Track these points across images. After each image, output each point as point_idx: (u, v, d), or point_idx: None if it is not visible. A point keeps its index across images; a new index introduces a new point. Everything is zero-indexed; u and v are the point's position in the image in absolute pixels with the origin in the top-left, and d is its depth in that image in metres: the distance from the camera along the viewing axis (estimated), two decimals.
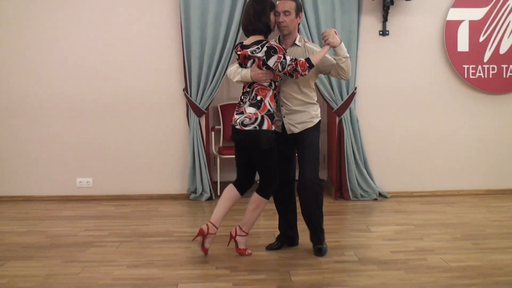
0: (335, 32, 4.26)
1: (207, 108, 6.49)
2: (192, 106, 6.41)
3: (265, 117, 4.22)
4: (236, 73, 4.33)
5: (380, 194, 6.49)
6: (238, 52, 4.29)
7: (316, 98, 4.49)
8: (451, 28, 6.47)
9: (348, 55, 4.29)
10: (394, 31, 6.50)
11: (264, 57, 4.13)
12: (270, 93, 4.26)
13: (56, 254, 4.59)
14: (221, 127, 7.23)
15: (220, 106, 7.29)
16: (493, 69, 6.55)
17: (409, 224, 5.41)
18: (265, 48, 4.13)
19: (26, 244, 4.86)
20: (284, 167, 4.50)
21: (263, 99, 4.23)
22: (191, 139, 6.42)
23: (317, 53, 4.25)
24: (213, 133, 6.98)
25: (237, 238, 4.51)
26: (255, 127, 4.21)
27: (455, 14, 6.46)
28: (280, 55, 4.12)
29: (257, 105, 4.23)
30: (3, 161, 6.53)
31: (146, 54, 6.47)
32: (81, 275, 4.12)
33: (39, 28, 6.40)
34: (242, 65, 4.29)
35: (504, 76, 6.54)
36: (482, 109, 6.63)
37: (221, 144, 7.18)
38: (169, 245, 4.84)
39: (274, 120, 4.28)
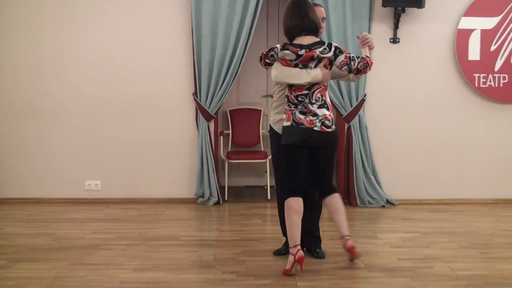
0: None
1: (216, 113, 6.50)
2: (201, 111, 6.43)
3: (333, 118, 4.27)
4: (301, 74, 4.12)
5: (388, 201, 6.48)
6: (300, 53, 4.11)
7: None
8: (462, 37, 6.46)
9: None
10: (405, 39, 6.49)
11: (332, 57, 4.16)
12: (327, 93, 4.27)
13: (64, 256, 4.60)
14: (230, 131, 7.25)
15: (229, 111, 7.30)
16: (503, 78, 6.52)
17: (416, 231, 5.40)
18: (333, 48, 4.16)
19: (34, 246, 4.88)
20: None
21: (326, 99, 4.23)
22: (199, 143, 6.44)
23: (367, 53, 4.34)
24: (221, 137, 7.00)
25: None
26: (335, 128, 4.23)
27: (466, 22, 6.45)
28: (346, 55, 4.17)
29: (327, 106, 4.21)
30: (13, 164, 6.57)
31: (156, 59, 6.50)
32: (88, 277, 4.13)
33: (50, 30, 6.45)
34: (299, 65, 4.14)
35: None
36: (492, 118, 6.60)
37: (229, 149, 7.19)
38: (176, 249, 4.84)
39: None
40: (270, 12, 7.38)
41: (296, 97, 4.18)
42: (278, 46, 4.22)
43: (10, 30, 6.43)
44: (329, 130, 4.18)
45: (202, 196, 6.51)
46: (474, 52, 6.50)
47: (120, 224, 5.67)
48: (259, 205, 6.55)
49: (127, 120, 6.55)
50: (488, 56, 6.50)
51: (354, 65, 4.17)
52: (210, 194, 6.49)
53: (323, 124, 4.15)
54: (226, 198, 6.70)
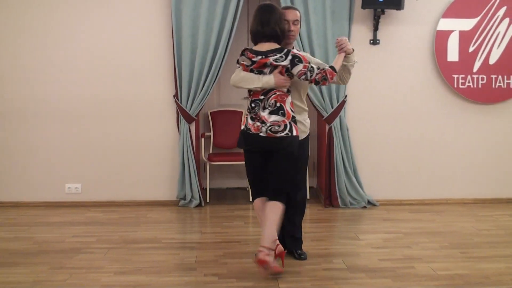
0: (346, 39, 4.41)
1: (197, 115, 6.49)
2: (182, 113, 6.41)
3: (292, 124, 4.20)
4: (253, 79, 4.19)
5: (369, 202, 6.51)
6: (255, 59, 4.17)
7: (306, 109, 4.55)
8: (441, 38, 6.52)
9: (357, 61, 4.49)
10: (385, 40, 6.53)
11: (289, 65, 4.13)
12: (289, 99, 4.24)
13: (44, 260, 4.56)
14: (211, 133, 7.23)
15: (211, 113, 7.29)
16: (482, 79, 6.59)
17: (397, 232, 5.43)
18: (290, 57, 4.13)
19: (14, 250, 4.83)
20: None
21: (283, 105, 4.19)
22: (181, 145, 6.42)
23: (336, 60, 4.32)
24: (203, 139, 6.98)
25: (270, 258, 4.08)
26: (287, 134, 4.17)
27: (445, 24, 6.50)
28: (306, 64, 4.14)
29: (281, 112, 4.18)
30: None
31: (137, 61, 6.47)
32: (68, 281, 4.10)
33: (28, 32, 6.38)
34: (254, 71, 4.21)
35: (493, 86, 6.59)
36: (470, 118, 6.66)
37: (211, 151, 7.17)
38: (157, 251, 4.82)
39: (297, 125, 4.26)
40: (250, 14, 7.26)
41: (251, 102, 4.28)
42: (241, 52, 4.33)
43: None
44: (276, 135, 4.16)
45: (184, 198, 6.49)
46: (453, 53, 6.56)
47: (101, 227, 5.63)
48: (241, 207, 6.54)
49: (108, 122, 6.51)
50: (467, 57, 6.56)
51: (312, 76, 4.15)
52: (192, 196, 6.47)
53: (270, 130, 4.16)
54: (208, 200, 6.68)
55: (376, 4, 6.23)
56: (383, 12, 6.37)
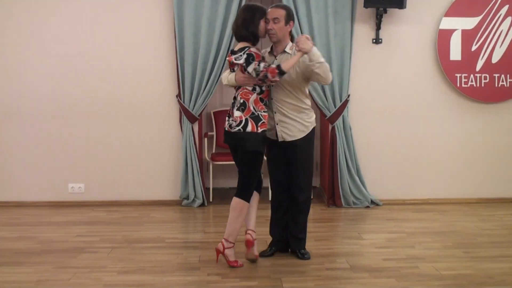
0: (307, 37, 4.27)
1: (200, 115, 6.49)
2: (185, 113, 6.41)
3: (249, 120, 4.27)
4: (224, 77, 4.49)
5: (372, 202, 6.50)
6: (227, 58, 4.45)
7: (310, 104, 4.52)
8: (443, 37, 6.51)
9: (322, 61, 4.26)
10: (387, 39, 6.52)
11: (244, 64, 4.24)
12: (254, 96, 4.31)
13: (47, 260, 4.57)
14: (214, 133, 7.23)
15: (213, 113, 7.28)
16: (485, 78, 6.58)
17: (401, 232, 5.42)
18: (245, 55, 4.24)
19: (17, 250, 4.84)
20: (282, 174, 4.56)
21: (246, 102, 4.30)
22: (184, 145, 6.42)
23: (289, 59, 4.28)
24: (206, 139, 6.98)
25: (226, 251, 4.40)
26: (239, 130, 4.28)
27: (447, 23, 6.49)
28: (256, 62, 4.20)
29: (242, 108, 4.31)
30: None
31: (140, 60, 6.47)
32: (71, 281, 4.10)
33: (31, 32, 6.39)
34: (231, 70, 4.41)
35: (496, 85, 6.58)
36: (474, 117, 6.65)
37: (214, 151, 7.17)
38: (160, 251, 4.83)
39: (260, 123, 4.29)
40: None
41: (232, 100, 4.46)
42: None
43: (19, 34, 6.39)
44: (231, 130, 4.32)
45: (187, 198, 6.49)
46: (455, 52, 6.55)
47: (104, 226, 5.63)
48: None
49: (111, 122, 6.51)
50: (470, 56, 6.54)
51: (258, 74, 4.20)
52: (195, 196, 6.48)
53: (229, 125, 4.35)
54: (211, 200, 6.68)
55: (378, 3, 6.22)
56: (385, 11, 6.36)
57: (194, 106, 6.39)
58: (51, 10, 6.39)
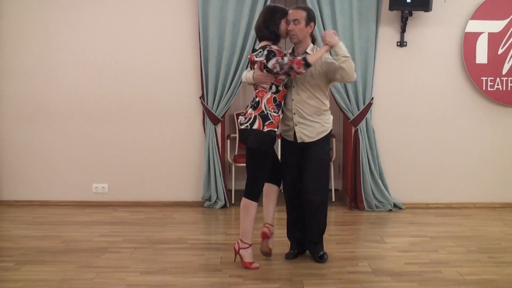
0: (333, 32, 4.32)
1: (223, 116, 6.51)
2: (208, 114, 6.43)
3: (258, 117, 4.30)
4: (244, 75, 4.53)
5: (395, 205, 6.46)
6: (248, 57, 4.51)
7: (329, 106, 4.52)
8: (469, 40, 6.45)
9: (348, 55, 4.28)
10: (412, 42, 6.48)
11: (264, 60, 4.24)
12: (268, 95, 4.33)
13: (71, 259, 4.62)
14: (237, 135, 7.24)
15: (236, 114, 7.30)
16: (511, 81, 6.50)
17: (424, 236, 5.38)
18: (265, 52, 4.25)
19: (42, 249, 4.90)
20: (296, 176, 4.56)
21: (260, 100, 4.33)
22: (206, 146, 6.44)
23: (315, 52, 4.31)
24: (228, 141, 6.99)
25: (241, 251, 4.44)
26: (247, 126, 4.32)
27: (474, 26, 6.43)
28: (278, 58, 4.22)
29: (254, 106, 4.35)
30: (21, 166, 6.59)
31: (164, 62, 6.52)
32: (95, 280, 4.14)
33: (57, 32, 6.48)
34: (251, 68, 4.43)
35: None
36: (499, 121, 6.58)
37: (236, 152, 7.18)
38: (183, 252, 4.85)
39: (268, 122, 4.30)
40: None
41: None
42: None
43: (19, 33, 6.47)
44: (241, 127, 4.37)
45: (209, 199, 6.51)
46: (481, 56, 6.48)
47: (127, 227, 5.68)
48: None
49: (134, 123, 6.56)
50: (496, 60, 6.47)
51: (282, 68, 4.20)
52: (217, 197, 6.50)
53: (240, 122, 4.40)
54: (233, 202, 6.69)
55: (404, 5, 6.18)
56: (410, 14, 6.32)
57: (217, 107, 6.41)
58: (78, 11, 6.45)
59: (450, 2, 6.39)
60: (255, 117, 4.30)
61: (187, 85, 6.55)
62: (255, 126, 4.29)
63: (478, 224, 5.84)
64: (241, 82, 6.33)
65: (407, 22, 6.37)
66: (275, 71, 4.23)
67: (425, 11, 6.25)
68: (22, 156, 6.58)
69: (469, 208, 6.52)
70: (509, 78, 6.49)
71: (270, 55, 4.23)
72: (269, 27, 4.32)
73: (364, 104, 6.39)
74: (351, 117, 6.39)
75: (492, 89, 6.49)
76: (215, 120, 6.44)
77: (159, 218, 6.04)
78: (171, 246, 5.02)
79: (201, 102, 6.47)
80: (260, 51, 4.29)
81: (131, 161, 6.59)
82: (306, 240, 4.62)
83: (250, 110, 4.36)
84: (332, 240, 4.89)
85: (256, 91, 4.39)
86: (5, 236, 5.36)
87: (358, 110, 6.37)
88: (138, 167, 6.60)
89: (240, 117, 4.46)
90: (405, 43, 6.47)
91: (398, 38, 6.49)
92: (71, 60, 6.51)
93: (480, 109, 6.56)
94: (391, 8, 6.20)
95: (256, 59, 4.30)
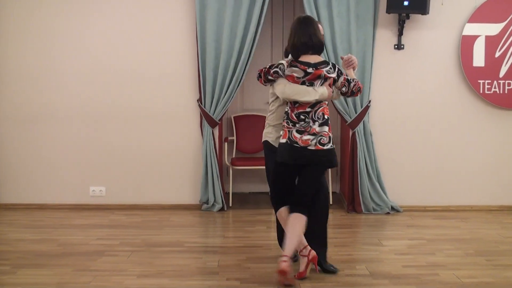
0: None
1: (220, 119, 6.51)
2: (206, 117, 6.43)
3: (331, 136, 4.25)
4: (309, 92, 4.13)
5: (393, 208, 6.46)
6: (309, 71, 4.14)
7: None
8: (467, 43, 6.45)
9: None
10: (410, 45, 6.49)
11: (336, 77, 4.23)
12: (327, 111, 4.29)
13: (68, 262, 4.60)
14: (235, 138, 7.24)
15: (234, 117, 7.30)
16: (508, 84, 6.50)
17: (421, 238, 5.38)
18: (337, 69, 4.23)
19: (39, 252, 4.88)
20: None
21: (328, 118, 4.25)
22: (204, 149, 6.44)
23: (351, 75, 4.39)
24: (226, 144, 7.00)
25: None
26: (332, 146, 4.21)
27: (471, 29, 6.43)
28: (345, 76, 4.26)
29: (327, 124, 4.21)
30: (18, 169, 6.58)
31: (161, 65, 6.52)
32: (92, 284, 4.13)
33: (54, 36, 6.47)
34: (306, 83, 4.16)
35: None
36: (497, 124, 6.58)
37: (234, 155, 7.18)
38: (180, 255, 4.84)
39: None
40: (274, 18, 7.39)
41: (298, 115, 4.18)
42: (284, 62, 4.24)
43: (16, 36, 6.46)
44: (324, 147, 4.15)
45: (207, 202, 6.51)
46: (478, 59, 6.49)
47: (124, 230, 5.67)
48: (263, 211, 6.53)
49: (132, 126, 6.56)
50: (493, 63, 6.48)
51: (350, 87, 4.26)
52: (215, 200, 6.49)
53: (319, 142, 4.15)
54: (230, 205, 6.69)
55: (401, 8, 6.19)
56: (408, 17, 6.32)
57: (214, 110, 6.41)
58: (77, 15, 6.44)
59: (447, 5, 6.40)
60: (330, 136, 4.20)
61: (185, 88, 6.54)
62: (332, 145, 4.23)
63: (475, 227, 5.84)
64: (238, 86, 6.34)
65: (405, 25, 6.38)
66: (342, 89, 4.25)
67: (422, 14, 6.25)
68: (19, 159, 6.57)
69: (466, 211, 6.52)
70: (506, 81, 6.50)
71: (339, 72, 4.24)
72: (322, 38, 4.26)
73: (361, 107, 6.39)
74: (349, 120, 6.39)
75: (489, 92, 6.50)
76: (212, 123, 6.44)
77: (156, 221, 6.03)
78: (168, 249, 5.01)
79: (199, 105, 6.47)
80: (331, 68, 4.19)
81: (128, 164, 6.58)
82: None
83: (325, 128, 4.17)
84: (330, 243, 4.85)
85: (322, 107, 4.19)
86: (2, 240, 5.35)
87: (356, 113, 6.38)
88: (135, 170, 6.59)
89: (312, 137, 4.12)
90: (402, 46, 6.48)
91: (395, 41, 6.49)
92: (69, 63, 6.49)
93: (477, 112, 6.57)
94: (389, 11, 6.21)
95: (329, 75, 4.18)
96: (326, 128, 4.18)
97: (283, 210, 4.34)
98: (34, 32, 6.46)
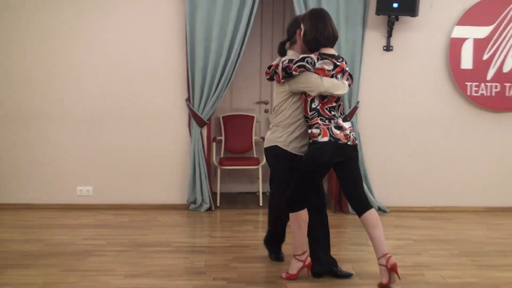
0: None
1: (209, 119, 6.50)
2: (194, 117, 6.43)
3: None
4: (340, 85, 4.09)
5: (380, 209, 6.49)
6: (337, 63, 4.09)
7: None
8: (455, 45, 6.49)
9: None
10: (398, 46, 6.52)
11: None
12: None
13: (55, 262, 4.59)
14: (223, 138, 7.25)
15: (222, 117, 7.30)
16: (496, 87, 6.56)
17: (407, 239, 5.42)
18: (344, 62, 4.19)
19: (26, 252, 4.86)
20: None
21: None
22: (192, 149, 6.44)
23: None
24: (214, 143, 7.00)
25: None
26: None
27: (460, 31, 6.47)
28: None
29: (348, 119, 4.23)
30: (4, 169, 6.54)
31: (150, 65, 6.50)
32: (79, 284, 4.12)
33: (40, 37, 6.42)
34: (334, 76, 4.08)
35: (507, 94, 6.55)
36: (483, 126, 6.63)
37: (222, 155, 7.19)
38: (167, 255, 4.84)
39: None
40: (264, 19, 7.39)
41: (329, 110, 4.09)
42: (312, 56, 4.05)
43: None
44: (357, 142, 4.18)
45: (194, 202, 6.51)
46: (466, 61, 6.53)
47: (112, 230, 5.66)
48: (251, 211, 6.55)
49: (119, 125, 6.54)
50: (481, 65, 6.52)
51: (352, 80, 4.33)
52: (202, 200, 6.49)
53: (354, 137, 4.15)
54: (218, 205, 6.69)
55: (390, 10, 6.21)
56: (397, 19, 6.35)
57: (203, 110, 6.41)
58: (65, 15, 6.40)
59: (436, 7, 6.44)
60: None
61: (173, 87, 6.53)
62: None
63: (461, 228, 5.89)
64: (227, 85, 6.35)
65: (394, 26, 6.41)
66: (348, 83, 4.22)
67: (411, 16, 6.29)
68: (6, 159, 6.53)
69: (452, 212, 6.56)
70: (494, 84, 6.55)
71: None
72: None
73: (350, 108, 6.41)
74: None
75: (476, 94, 6.54)
76: (201, 123, 6.44)
77: (144, 221, 6.02)
78: (156, 249, 5.01)
79: (187, 104, 6.47)
80: (346, 62, 4.18)
81: (116, 163, 6.57)
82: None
83: (349, 124, 4.17)
84: None
85: (341, 103, 4.19)
86: None
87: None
88: (123, 170, 6.58)
89: (346, 132, 4.09)
90: (391, 48, 6.51)
91: (384, 43, 6.52)
92: (54, 64, 6.45)
93: (464, 114, 6.61)
94: (378, 12, 6.24)
95: (347, 69, 4.15)
96: (349, 124, 4.18)
97: (305, 212, 4.19)
98: (20, 33, 6.42)
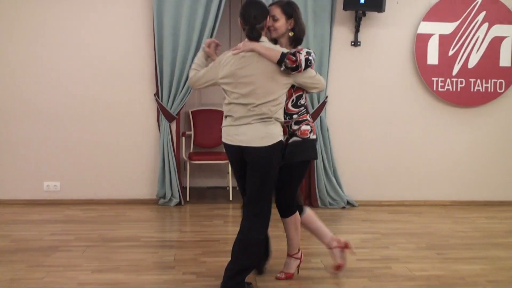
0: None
1: (178, 114, 6.48)
2: (163, 111, 6.40)
3: None
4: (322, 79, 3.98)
5: (348, 203, 6.55)
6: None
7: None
8: (421, 41, 6.58)
9: None
10: (366, 42, 6.58)
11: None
12: None
13: (21, 258, 4.53)
14: (192, 132, 7.23)
15: (192, 112, 7.29)
16: (461, 82, 6.66)
17: (376, 232, 5.48)
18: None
19: None
20: None
21: None
22: (161, 144, 6.41)
23: None
24: (183, 138, 6.98)
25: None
26: None
27: (425, 27, 6.56)
28: None
29: None
30: None
31: (117, 59, 6.44)
32: (45, 279, 4.07)
33: (6, 31, 6.33)
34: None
35: (472, 90, 6.66)
36: (449, 121, 6.74)
37: (191, 150, 7.17)
38: (136, 250, 4.82)
39: None
40: (232, 13, 7.38)
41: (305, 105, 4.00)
42: (311, 51, 3.78)
43: None
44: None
45: (164, 197, 6.48)
46: (432, 57, 6.62)
47: (80, 225, 5.60)
48: (221, 206, 6.56)
49: (88, 120, 6.47)
50: (446, 61, 6.62)
51: None
52: (172, 195, 6.47)
53: None
54: (187, 199, 6.68)
55: (357, 6, 6.27)
56: (364, 14, 6.42)
57: (172, 105, 6.38)
58: (32, 11, 6.32)
59: (402, 3, 6.52)
60: None
61: (142, 82, 6.49)
62: None
63: (428, 222, 5.97)
64: None
65: (361, 22, 6.47)
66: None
67: (378, 11, 6.35)
68: None
69: (420, 206, 6.66)
70: (459, 79, 6.65)
71: None
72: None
73: (318, 103, 6.45)
74: None
75: (442, 90, 6.64)
76: (170, 118, 6.41)
77: (113, 216, 5.98)
78: (124, 244, 4.98)
79: (156, 99, 6.43)
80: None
81: (84, 158, 6.50)
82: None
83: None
84: (285, 236, 4.91)
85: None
86: None
87: (313, 109, 6.43)
88: (91, 165, 6.51)
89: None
90: (359, 43, 6.56)
91: (352, 38, 6.58)
92: (21, 58, 6.36)
93: (431, 109, 6.71)
94: (345, 8, 6.29)
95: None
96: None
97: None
98: None
